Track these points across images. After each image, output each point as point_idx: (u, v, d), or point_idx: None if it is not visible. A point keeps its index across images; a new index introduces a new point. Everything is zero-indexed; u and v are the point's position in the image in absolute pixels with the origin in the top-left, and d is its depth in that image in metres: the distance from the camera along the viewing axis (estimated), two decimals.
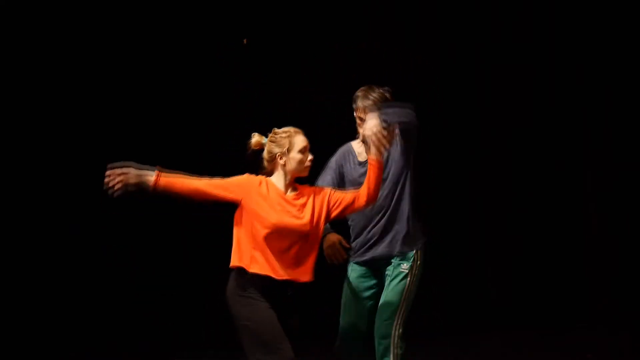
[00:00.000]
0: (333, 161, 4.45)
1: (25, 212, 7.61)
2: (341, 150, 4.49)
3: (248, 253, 3.88)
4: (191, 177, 3.90)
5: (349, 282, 4.39)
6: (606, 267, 7.70)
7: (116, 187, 3.75)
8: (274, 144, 4.00)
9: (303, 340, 4.08)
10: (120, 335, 7.30)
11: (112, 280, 7.76)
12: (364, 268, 4.37)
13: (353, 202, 3.97)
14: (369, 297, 4.36)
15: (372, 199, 3.96)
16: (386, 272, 4.32)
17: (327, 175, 4.40)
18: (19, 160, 7.58)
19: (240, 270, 3.88)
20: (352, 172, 4.40)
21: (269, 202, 3.89)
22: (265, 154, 4.02)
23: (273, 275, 3.86)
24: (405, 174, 4.34)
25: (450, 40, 7.71)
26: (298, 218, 3.89)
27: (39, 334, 7.21)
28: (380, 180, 3.96)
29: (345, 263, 4.38)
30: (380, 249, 4.33)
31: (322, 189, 4.06)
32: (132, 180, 3.78)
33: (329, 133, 4.89)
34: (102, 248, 7.81)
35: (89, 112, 7.77)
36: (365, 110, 4.17)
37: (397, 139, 4.24)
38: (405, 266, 4.28)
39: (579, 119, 7.81)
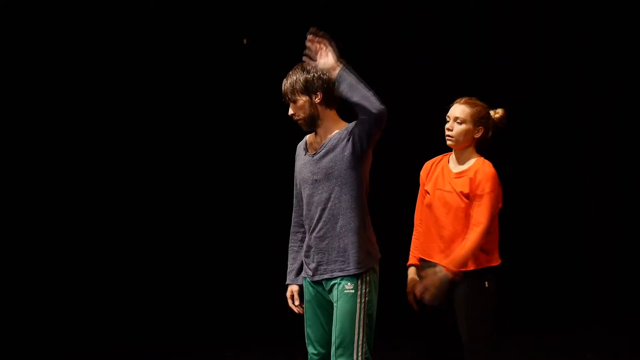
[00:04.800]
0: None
1: (25, 212, 7.61)
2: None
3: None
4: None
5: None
6: (607, 267, 7.70)
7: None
8: None
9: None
10: (121, 335, 7.29)
11: (113, 280, 7.76)
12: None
13: None
14: None
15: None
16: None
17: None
18: (17, 159, 7.57)
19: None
20: (300, 169, 4.01)
21: None
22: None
23: None
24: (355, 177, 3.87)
25: (449, 39, 7.71)
26: None
27: (39, 334, 7.20)
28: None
29: None
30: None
31: None
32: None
33: None
34: (102, 247, 7.81)
35: (89, 112, 7.76)
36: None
37: (351, 132, 3.84)
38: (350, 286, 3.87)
39: (579, 119, 7.81)
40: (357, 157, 3.84)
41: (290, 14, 7.64)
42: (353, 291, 3.85)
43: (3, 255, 7.46)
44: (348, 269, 3.86)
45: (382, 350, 4.29)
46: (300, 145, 4.09)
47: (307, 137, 4.08)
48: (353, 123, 3.88)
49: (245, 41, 7.84)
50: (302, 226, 4.07)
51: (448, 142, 4.17)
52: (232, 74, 7.88)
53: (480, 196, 4.05)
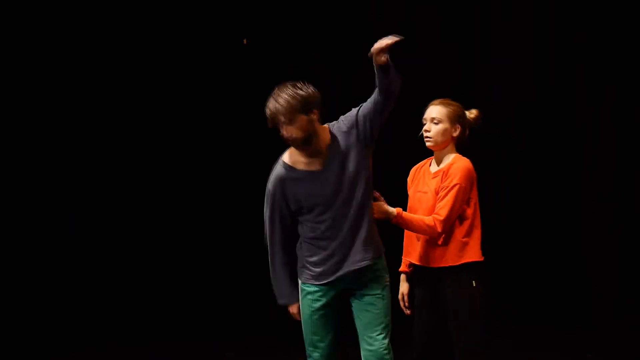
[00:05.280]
0: (274, 201, 4.00)
1: (25, 212, 7.61)
2: (274, 178, 3.98)
3: None
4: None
5: None
6: (607, 267, 7.70)
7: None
8: None
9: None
10: (121, 335, 7.29)
11: (113, 280, 7.76)
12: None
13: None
14: None
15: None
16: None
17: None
18: (17, 159, 7.57)
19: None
20: (308, 190, 3.95)
21: None
22: None
23: None
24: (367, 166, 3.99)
25: (449, 39, 7.71)
26: None
27: (39, 334, 7.20)
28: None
29: None
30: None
31: None
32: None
33: None
34: (102, 247, 7.81)
35: (89, 112, 7.77)
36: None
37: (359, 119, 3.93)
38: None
39: (579, 119, 7.81)
40: (365, 144, 3.93)
41: (290, 14, 7.64)
42: (387, 282, 4.07)
43: (3, 255, 7.46)
44: (371, 255, 4.00)
45: None
46: (284, 172, 3.98)
47: (289, 159, 4.00)
48: (345, 117, 3.97)
49: (245, 41, 7.84)
50: (292, 245, 4.08)
51: (427, 144, 4.18)
52: (232, 74, 7.88)
53: (446, 188, 4.05)
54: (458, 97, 4.32)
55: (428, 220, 4.02)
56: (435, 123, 4.15)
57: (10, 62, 7.41)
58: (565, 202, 7.88)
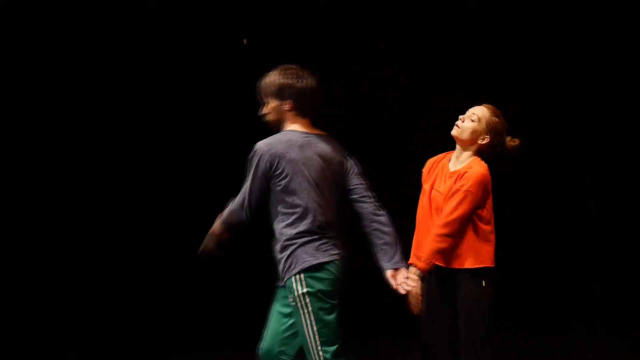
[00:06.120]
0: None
1: (25, 212, 7.61)
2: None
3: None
4: None
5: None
6: (607, 267, 7.71)
7: None
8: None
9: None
10: (121, 335, 7.29)
11: (112, 280, 7.76)
12: None
13: None
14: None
15: None
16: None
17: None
18: (17, 159, 7.58)
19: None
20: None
21: None
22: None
23: None
24: None
25: (449, 39, 7.71)
26: None
27: (39, 334, 7.20)
28: None
29: None
30: None
31: None
32: None
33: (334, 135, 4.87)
34: (102, 247, 7.81)
35: (89, 112, 7.77)
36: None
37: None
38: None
39: (579, 119, 7.81)
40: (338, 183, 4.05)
41: (290, 14, 7.64)
42: None
43: (3, 255, 7.46)
44: None
45: (379, 349, 4.30)
46: None
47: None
48: (354, 163, 4.02)
49: (245, 41, 7.84)
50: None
51: (453, 131, 4.11)
52: (232, 74, 7.88)
53: (457, 191, 4.01)
54: (458, 97, 4.33)
55: (432, 239, 3.99)
56: (472, 120, 4.11)
57: (11, 62, 7.41)
58: (566, 202, 7.88)
